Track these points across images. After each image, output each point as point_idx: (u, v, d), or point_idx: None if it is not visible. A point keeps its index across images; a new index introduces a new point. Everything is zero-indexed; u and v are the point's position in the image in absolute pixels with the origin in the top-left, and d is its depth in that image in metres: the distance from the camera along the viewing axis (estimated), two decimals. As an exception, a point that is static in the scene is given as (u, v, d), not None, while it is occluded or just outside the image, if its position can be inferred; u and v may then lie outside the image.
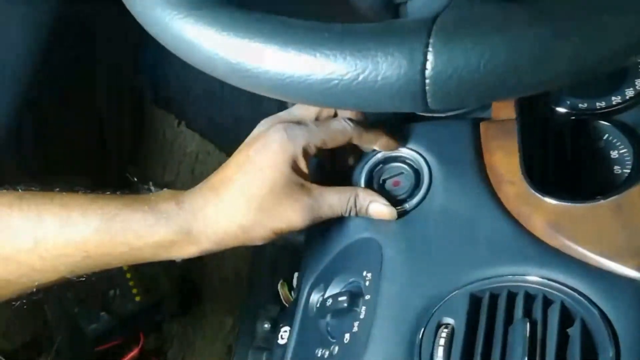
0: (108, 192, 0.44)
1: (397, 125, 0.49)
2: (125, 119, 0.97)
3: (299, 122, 0.44)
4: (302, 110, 0.46)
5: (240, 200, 0.42)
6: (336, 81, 0.26)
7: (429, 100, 0.25)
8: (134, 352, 0.82)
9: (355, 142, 0.46)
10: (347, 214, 0.46)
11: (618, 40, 0.23)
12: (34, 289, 0.44)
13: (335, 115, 0.46)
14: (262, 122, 0.46)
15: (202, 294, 0.95)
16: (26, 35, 0.66)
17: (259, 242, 0.44)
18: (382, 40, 0.25)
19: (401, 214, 0.46)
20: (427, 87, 0.25)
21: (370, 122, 0.48)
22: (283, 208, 0.43)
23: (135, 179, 0.86)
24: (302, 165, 0.43)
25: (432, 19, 0.25)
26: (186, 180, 0.97)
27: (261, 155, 0.43)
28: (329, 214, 0.45)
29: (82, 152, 0.90)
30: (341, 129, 0.45)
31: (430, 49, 0.24)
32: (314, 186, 0.44)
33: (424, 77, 0.24)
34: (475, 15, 0.25)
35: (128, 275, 0.81)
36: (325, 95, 0.26)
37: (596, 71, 0.23)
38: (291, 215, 0.43)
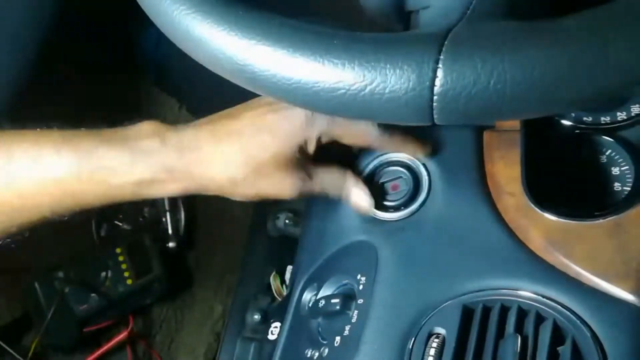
0: (84, 129, 0.42)
1: (399, 129, 0.48)
2: (126, 100, 0.96)
3: None
4: None
5: (240, 155, 0.41)
6: (343, 90, 0.25)
7: (435, 116, 0.25)
8: (123, 335, 0.82)
9: (375, 146, 0.46)
10: (333, 195, 0.46)
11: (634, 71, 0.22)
12: (16, 229, 0.43)
13: None
14: None
15: (194, 280, 0.95)
16: (29, 12, 0.65)
17: (239, 199, 0.44)
18: (392, 53, 0.25)
19: (399, 219, 0.45)
20: (434, 103, 0.24)
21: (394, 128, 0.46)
22: (277, 176, 0.42)
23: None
24: (311, 149, 0.43)
25: (443, 34, 0.24)
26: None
27: (278, 123, 0.41)
28: (317, 190, 0.45)
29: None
30: (363, 131, 0.44)
31: (440, 65, 0.24)
32: (311, 163, 0.44)
33: (432, 93, 0.24)
34: (487, 32, 0.24)
35: (121, 258, 0.81)
36: (331, 104, 0.26)
37: (611, 96, 0.23)
38: (283, 185, 0.43)
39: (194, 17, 0.28)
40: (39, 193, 0.41)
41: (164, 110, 0.97)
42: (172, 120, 0.98)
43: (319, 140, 0.42)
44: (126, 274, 0.81)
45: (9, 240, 0.44)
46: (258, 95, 0.42)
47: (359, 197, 0.46)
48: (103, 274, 0.79)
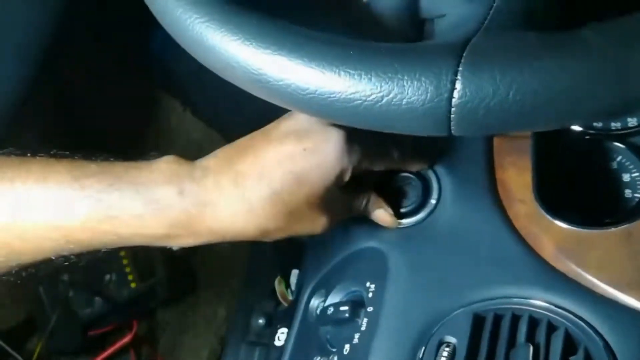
0: (94, 165, 0.38)
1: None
2: (130, 101, 0.96)
3: (358, 133, 0.38)
4: None
5: (270, 202, 0.37)
6: (359, 101, 0.25)
7: (452, 127, 0.25)
8: (127, 338, 0.82)
9: (395, 167, 0.46)
10: (356, 215, 0.45)
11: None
12: (15, 269, 0.40)
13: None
14: None
15: (197, 283, 0.95)
16: (39, 10, 0.64)
17: (268, 241, 0.40)
18: (409, 63, 0.24)
19: (408, 226, 0.45)
20: (452, 115, 0.24)
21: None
22: (312, 217, 0.40)
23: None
24: (346, 179, 0.40)
25: (461, 44, 0.24)
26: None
27: (313, 158, 0.37)
28: (345, 216, 0.44)
29: (86, 130, 0.89)
30: (390, 155, 0.43)
31: (458, 77, 0.23)
32: (341, 193, 0.41)
33: (450, 105, 0.24)
34: (506, 43, 0.24)
35: (125, 262, 0.81)
36: (347, 115, 0.26)
37: (629, 112, 0.22)
38: (317, 225, 0.41)
39: (207, 26, 0.28)
40: (41, 237, 0.37)
41: (168, 112, 0.97)
42: (176, 121, 0.98)
43: (354, 169, 0.40)
44: (130, 278, 0.81)
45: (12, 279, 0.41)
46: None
47: (383, 217, 0.45)
48: (107, 277, 0.79)
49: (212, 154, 0.40)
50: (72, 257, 0.40)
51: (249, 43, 0.27)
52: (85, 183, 0.37)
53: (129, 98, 0.96)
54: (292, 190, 0.37)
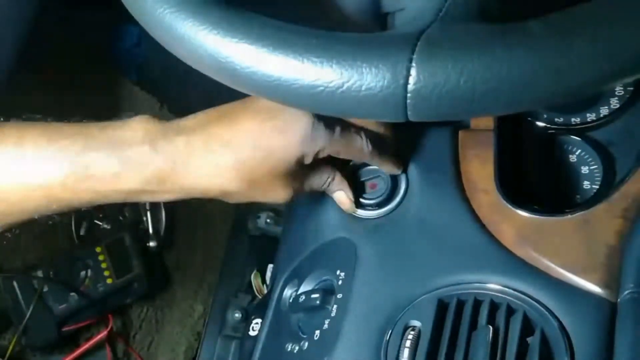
0: (69, 126, 0.39)
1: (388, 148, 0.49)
2: (106, 98, 0.96)
3: (326, 120, 0.41)
4: None
5: (234, 169, 0.39)
6: (322, 88, 0.26)
7: (409, 113, 0.26)
8: (103, 334, 0.81)
9: (363, 161, 0.47)
10: (319, 190, 0.46)
11: (601, 69, 0.24)
12: (2, 229, 0.42)
13: (361, 126, 0.44)
14: None
15: (174, 279, 0.95)
16: (9, 11, 0.64)
17: (230, 202, 0.43)
18: (368, 52, 0.26)
19: (377, 217, 0.47)
20: (408, 101, 0.26)
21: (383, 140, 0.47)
22: (272, 187, 0.41)
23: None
24: (308, 161, 0.42)
25: (417, 34, 0.26)
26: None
27: (277, 137, 0.39)
28: (307, 190, 0.45)
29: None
30: (359, 147, 0.43)
31: (413, 64, 0.25)
32: (304, 170, 0.43)
33: (405, 91, 0.25)
34: (458, 34, 0.25)
35: (101, 257, 0.81)
36: (310, 101, 0.27)
37: (575, 96, 0.24)
38: (276, 194, 0.42)
39: (177, 16, 0.29)
40: (23, 199, 0.39)
41: (144, 109, 0.97)
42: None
43: (316, 155, 0.41)
44: (106, 273, 0.81)
45: None
46: (239, 99, 0.42)
47: (342, 199, 0.47)
48: (83, 273, 0.79)
49: (192, 115, 0.41)
50: (55, 216, 0.42)
51: (216, 32, 0.28)
52: (62, 144, 0.38)
53: (105, 95, 0.95)
54: (255, 162, 0.39)
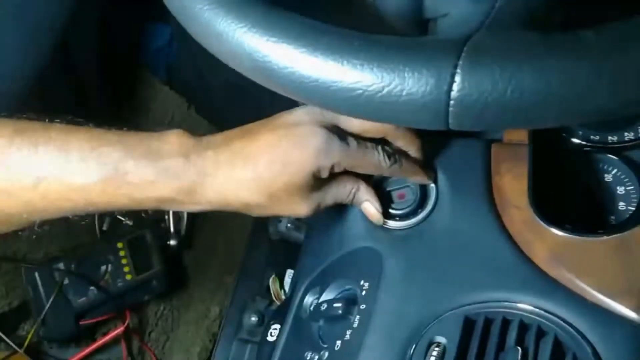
0: (111, 134, 0.42)
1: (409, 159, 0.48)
2: (135, 97, 0.96)
3: (341, 135, 0.42)
4: (350, 121, 0.43)
5: (253, 183, 0.41)
6: (360, 91, 0.26)
7: (450, 121, 0.25)
8: (119, 330, 0.81)
9: (383, 175, 0.47)
10: (345, 202, 0.46)
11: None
12: (36, 224, 0.44)
13: (383, 140, 0.45)
14: (306, 109, 0.43)
15: (191, 279, 0.95)
16: (48, 8, 0.65)
17: (255, 215, 0.45)
18: (411, 56, 0.25)
19: (405, 228, 0.46)
20: (450, 108, 0.25)
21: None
22: (292, 200, 0.42)
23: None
24: (324, 174, 0.42)
25: (463, 40, 0.25)
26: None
27: (292, 151, 0.41)
28: (330, 203, 0.45)
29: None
30: (376, 162, 0.43)
31: (458, 70, 0.24)
32: (325, 182, 0.44)
33: (448, 98, 0.24)
34: (507, 41, 0.24)
35: (122, 253, 0.81)
36: (348, 104, 0.26)
37: (624, 113, 0.23)
38: (297, 208, 0.43)
39: (216, 13, 0.29)
40: (63, 198, 0.41)
41: (172, 109, 0.98)
42: (180, 117, 0.99)
43: (331, 168, 0.42)
44: (126, 269, 0.81)
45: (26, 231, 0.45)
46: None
47: (370, 210, 0.46)
48: (103, 267, 0.79)
49: (220, 133, 0.44)
50: (87, 219, 0.45)
51: (255, 30, 0.27)
52: (104, 150, 0.41)
53: (134, 95, 0.96)
54: (272, 175, 0.41)
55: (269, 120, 0.43)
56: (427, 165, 0.47)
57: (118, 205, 0.42)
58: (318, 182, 0.43)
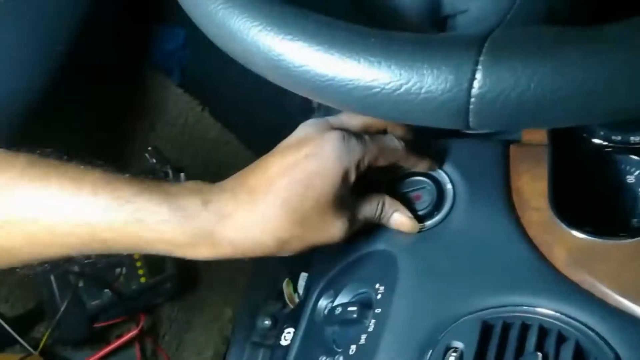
0: (127, 175, 0.40)
1: (424, 140, 0.48)
2: (149, 100, 0.97)
3: (354, 133, 0.41)
4: (352, 120, 0.43)
5: (281, 210, 0.39)
6: (377, 89, 0.25)
7: (470, 119, 0.24)
8: (133, 332, 0.82)
9: (401, 163, 0.45)
10: (374, 221, 0.45)
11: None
12: (38, 262, 0.42)
13: (385, 131, 0.44)
14: (308, 123, 0.42)
15: (204, 282, 0.95)
16: (67, 5, 0.66)
17: (289, 255, 0.42)
18: (430, 52, 0.24)
19: (421, 230, 0.45)
20: (471, 106, 0.24)
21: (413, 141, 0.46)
22: (326, 223, 0.40)
23: (154, 160, 0.86)
24: (352, 178, 0.40)
25: (484, 36, 0.24)
26: (201, 166, 0.96)
27: (314, 162, 0.39)
28: (362, 221, 0.44)
29: (102, 127, 0.90)
30: (393, 147, 0.42)
31: (479, 67, 0.23)
32: (352, 197, 0.42)
33: (469, 96, 0.24)
34: (529, 36, 0.24)
35: (136, 256, 0.81)
36: (365, 103, 0.26)
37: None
38: (332, 231, 0.41)
39: (230, 12, 0.28)
40: (69, 233, 0.39)
41: (186, 111, 0.98)
42: (193, 119, 0.99)
43: (357, 167, 0.40)
44: (140, 272, 0.81)
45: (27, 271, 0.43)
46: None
47: (400, 220, 0.45)
48: (117, 270, 0.79)
49: (228, 178, 0.42)
50: (92, 257, 0.42)
51: (269, 29, 0.27)
52: (118, 186, 0.39)
53: (148, 97, 0.97)
54: (299, 196, 0.39)
55: (274, 150, 0.42)
56: (443, 165, 0.47)
57: (125, 244, 0.39)
58: (348, 192, 0.41)
